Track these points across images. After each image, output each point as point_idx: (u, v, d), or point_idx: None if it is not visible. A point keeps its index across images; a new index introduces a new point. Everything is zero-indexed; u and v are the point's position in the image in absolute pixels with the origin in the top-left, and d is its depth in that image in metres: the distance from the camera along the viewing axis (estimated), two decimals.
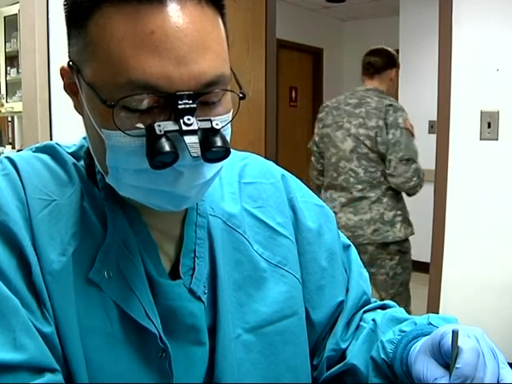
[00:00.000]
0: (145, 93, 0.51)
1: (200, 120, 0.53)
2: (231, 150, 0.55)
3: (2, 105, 4.04)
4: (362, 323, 0.77)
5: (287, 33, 5.37)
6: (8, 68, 4.01)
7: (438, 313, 2.25)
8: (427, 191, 2.68)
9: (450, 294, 2.40)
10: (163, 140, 0.51)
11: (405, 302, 2.62)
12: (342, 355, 0.75)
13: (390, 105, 2.43)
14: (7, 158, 0.62)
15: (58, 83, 2.05)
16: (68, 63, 0.58)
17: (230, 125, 0.59)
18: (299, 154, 6.22)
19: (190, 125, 0.51)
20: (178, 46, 0.51)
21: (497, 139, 2.27)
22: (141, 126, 0.53)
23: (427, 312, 2.33)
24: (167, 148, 0.51)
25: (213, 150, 0.53)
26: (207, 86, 0.53)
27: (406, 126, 2.41)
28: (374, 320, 0.75)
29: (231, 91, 0.57)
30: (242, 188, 0.74)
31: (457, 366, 0.54)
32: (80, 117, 0.62)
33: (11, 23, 3.73)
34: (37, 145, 0.67)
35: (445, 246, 2.39)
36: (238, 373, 0.65)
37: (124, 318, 0.59)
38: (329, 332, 0.77)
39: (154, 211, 0.60)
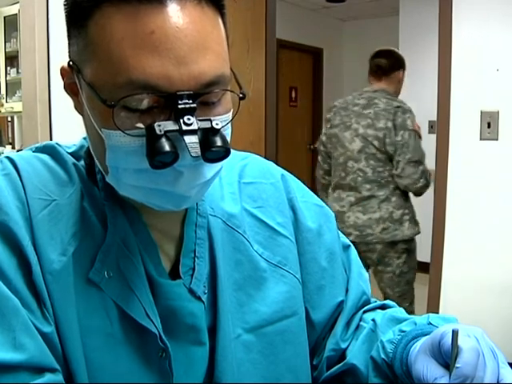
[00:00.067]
0: (145, 93, 0.51)
1: (200, 120, 0.53)
2: (231, 150, 0.55)
3: (2, 105, 4.04)
4: (361, 323, 0.77)
5: (287, 33, 5.37)
6: (8, 68, 4.01)
7: (437, 313, 2.25)
8: (427, 191, 2.68)
9: (449, 293, 2.40)
10: (163, 140, 0.51)
11: (409, 300, 2.65)
12: (341, 355, 0.75)
13: (399, 107, 2.45)
14: (7, 157, 0.62)
15: (57, 83, 2.05)
16: (68, 63, 0.58)
17: (230, 125, 0.59)
18: (299, 154, 6.22)
19: (190, 125, 0.51)
20: (178, 46, 0.51)
21: (497, 139, 2.27)
22: (141, 125, 0.53)
23: (427, 312, 2.33)
24: (167, 148, 0.51)
25: (213, 149, 0.53)
26: (207, 86, 0.53)
27: (414, 128, 2.44)
28: (373, 320, 0.75)
29: (231, 91, 0.57)
30: (242, 188, 0.74)
31: (457, 365, 0.54)
32: (80, 117, 0.62)
33: (11, 23, 3.73)
34: (37, 145, 0.67)
35: (445, 246, 2.39)
36: (237, 373, 0.65)
37: (124, 318, 0.59)
38: (329, 332, 0.77)
39: (153, 211, 0.60)
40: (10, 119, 4.46)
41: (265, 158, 0.82)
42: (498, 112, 2.25)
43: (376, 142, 2.46)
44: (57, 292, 0.56)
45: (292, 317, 0.71)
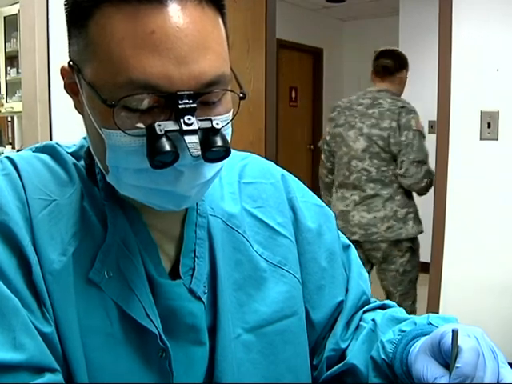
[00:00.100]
0: (145, 92, 0.51)
1: (200, 120, 0.53)
2: (231, 149, 0.55)
3: (2, 105, 4.04)
4: (361, 323, 0.77)
5: (287, 33, 5.37)
6: (8, 68, 4.01)
7: (438, 313, 2.25)
8: (428, 194, 2.69)
9: (449, 293, 2.40)
10: (163, 140, 0.51)
11: (412, 299, 2.67)
12: (341, 355, 0.75)
13: (403, 107, 2.48)
14: (7, 157, 0.62)
15: (57, 83, 2.05)
16: (68, 63, 0.58)
17: (230, 125, 0.59)
18: (299, 154, 6.22)
19: (191, 124, 0.51)
20: (178, 45, 0.51)
21: (497, 139, 2.27)
22: (141, 125, 0.53)
23: (427, 312, 2.33)
24: (167, 148, 0.51)
25: (213, 149, 0.53)
26: (207, 85, 0.53)
27: (418, 128, 2.46)
28: (373, 320, 0.75)
29: (231, 91, 0.57)
30: (242, 188, 0.74)
31: (457, 365, 0.54)
32: (80, 117, 0.62)
33: (11, 23, 3.73)
34: (37, 145, 0.67)
35: (445, 246, 2.40)
36: (238, 373, 0.65)
37: (124, 318, 0.59)
38: (328, 332, 0.77)
39: (154, 211, 0.60)
40: (10, 119, 4.46)
41: (265, 158, 0.82)
42: (497, 112, 2.25)
43: (380, 142, 2.48)
44: (57, 292, 0.56)
45: (292, 317, 0.71)
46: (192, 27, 0.52)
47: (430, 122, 4.21)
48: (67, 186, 0.62)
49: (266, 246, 0.72)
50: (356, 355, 0.72)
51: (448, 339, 0.56)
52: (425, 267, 2.74)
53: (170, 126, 0.52)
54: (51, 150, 0.65)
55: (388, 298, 2.69)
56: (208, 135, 0.53)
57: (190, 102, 0.51)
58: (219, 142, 0.53)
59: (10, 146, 4.34)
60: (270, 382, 0.68)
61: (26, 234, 0.56)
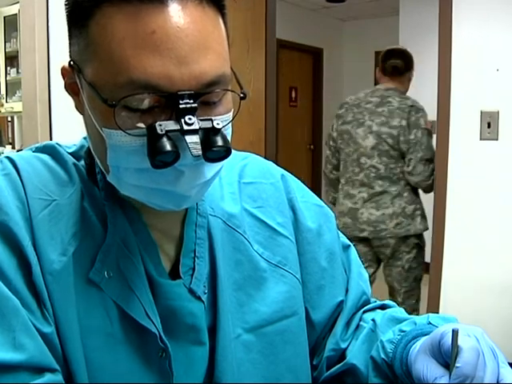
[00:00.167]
0: (146, 92, 0.51)
1: (201, 120, 0.53)
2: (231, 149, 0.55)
3: (2, 105, 4.04)
4: (361, 323, 0.77)
5: (287, 33, 5.37)
6: (8, 68, 4.01)
7: (438, 313, 2.25)
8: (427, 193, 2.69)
9: (450, 293, 2.40)
10: (164, 139, 0.51)
11: (416, 298, 2.70)
12: (341, 355, 0.75)
13: (412, 106, 2.51)
14: (7, 157, 0.62)
15: (57, 83, 2.05)
16: (69, 63, 0.58)
17: (230, 124, 0.59)
18: (299, 154, 6.22)
19: (191, 124, 0.51)
20: (179, 45, 0.51)
21: (497, 139, 2.27)
22: (142, 125, 0.53)
23: (427, 312, 2.33)
24: (168, 147, 0.51)
25: (214, 149, 0.53)
26: (208, 85, 0.53)
27: (426, 127, 2.50)
28: (373, 320, 0.75)
29: (232, 91, 0.57)
30: (242, 188, 0.74)
31: (457, 365, 0.54)
32: (80, 117, 0.62)
33: (11, 23, 3.73)
34: (37, 145, 0.67)
35: (445, 246, 2.40)
36: (237, 373, 0.65)
37: (124, 318, 0.59)
38: (328, 332, 0.77)
39: (154, 211, 0.60)
40: (10, 119, 4.46)
41: (265, 158, 0.82)
42: (497, 112, 2.25)
43: (390, 140, 2.51)
44: (57, 292, 0.56)
45: (292, 317, 0.71)
46: (193, 27, 0.52)
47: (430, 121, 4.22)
48: (67, 185, 0.62)
49: (266, 246, 0.72)
50: (356, 355, 0.72)
51: (448, 339, 0.56)
52: (425, 267, 2.74)
53: (171, 125, 0.52)
54: (51, 150, 0.65)
55: (392, 295, 2.71)
56: (209, 135, 0.53)
57: (191, 101, 0.51)
58: (220, 142, 0.53)
59: (10, 146, 4.34)
60: (270, 381, 0.68)
61: (26, 234, 0.56)
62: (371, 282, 2.72)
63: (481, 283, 2.35)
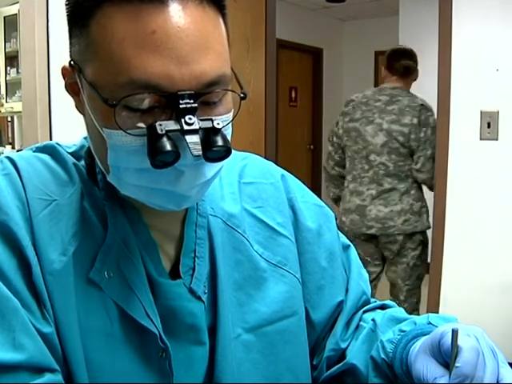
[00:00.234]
0: (146, 92, 0.51)
1: (201, 119, 0.53)
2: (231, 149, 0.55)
3: (2, 105, 4.04)
4: (361, 323, 0.77)
5: (287, 33, 5.37)
6: (8, 68, 4.01)
7: (437, 313, 2.25)
8: (427, 191, 2.70)
9: (450, 294, 2.40)
10: (164, 139, 0.51)
11: (417, 298, 2.73)
12: (341, 355, 0.75)
13: (422, 104, 2.55)
14: (7, 157, 0.62)
15: (57, 83, 2.05)
16: (69, 63, 0.58)
17: (230, 124, 0.59)
18: (299, 154, 6.22)
19: (192, 124, 0.51)
20: (179, 45, 0.51)
21: (497, 139, 2.27)
22: (142, 125, 0.53)
23: (427, 312, 2.33)
24: (168, 147, 0.51)
25: (214, 149, 0.53)
26: (208, 85, 0.53)
27: (435, 125, 2.52)
28: (373, 320, 0.75)
29: (232, 91, 0.57)
30: (242, 188, 0.74)
31: (456, 364, 0.54)
32: (80, 117, 0.62)
33: (11, 23, 3.73)
34: (37, 145, 0.67)
35: (445, 246, 2.40)
36: (237, 372, 0.65)
37: (124, 318, 0.59)
38: (328, 332, 0.77)
39: (154, 211, 0.60)
40: (9, 119, 4.46)
41: (265, 158, 0.82)
42: (497, 112, 2.25)
43: (401, 138, 2.54)
44: (57, 292, 0.56)
45: (292, 317, 0.71)
46: (193, 27, 0.52)
47: None
48: (67, 185, 0.62)
49: (266, 246, 0.72)
50: (356, 355, 0.72)
51: (448, 339, 0.56)
52: (425, 267, 2.75)
53: (171, 125, 0.52)
54: (51, 150, 0.65)
55: (393, 294, 2.71)
56: (209, 135, 0.53)
57: (191, 101, 0.52)
58: (220, 142, 0.53)
59: (10, 146, 4.34)
60: (269, 381, 0.68)
61: (26, 234, 0.56)
62: (377, 280, 2.72)
63: (481, 283, 2.35)
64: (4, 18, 3.88)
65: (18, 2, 2.61)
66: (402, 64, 2.63)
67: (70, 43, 0.58)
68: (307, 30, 5.93)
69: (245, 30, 2.68)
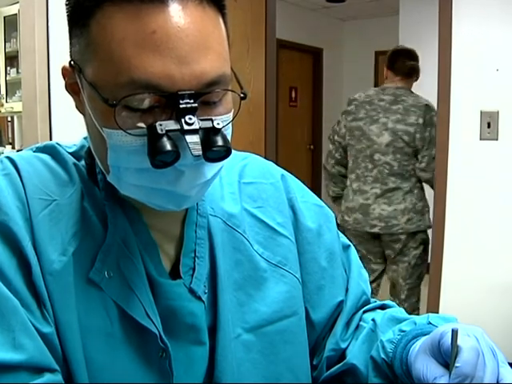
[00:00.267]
0: (146, 92, 0.51)
1: (201, 119, 0.53)
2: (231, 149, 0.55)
3: (2, 105, 4.04)
4: (361, 323, 0.77)
5: (287, 33, 5.37)
6: (8, 68, 4.01)
7: (438, 313, 2.25)
8: (427, 191, 2.70)
9: (449, 293, 2.40)
10: (164, 139, 0.51)
11: (417, 297, 2.75)
12: (341, 355, 0.75)
13: (427, 105, 2.58)
14: (8, 157, 0.62)
15: (57, 83, 2.05)
16: (70, 63, 0.58)
17: (230, 124, 0.59)
18: (299, 154, 6.22)
19: (192, 124, 0.51)
20: (179, 45, 0.51)
21: (497, 139, 2.27)
22: (142, 125, 0.53)
23: (427, 312, 2.33)
24: (168, 147, 0.51)
25: (214, 149, 0.53)
26: (208, 85, 0.53)
27: None
28: (373, 320, 0.75)
29: (232, 91, 0.57)
30: (242, 188, 0.74)
31: (456, 364, 0.54)
32: (80, 116, 0.62)
33: (11, 23, 3.73)
34: (37, 145, 0.67)
35: (445, 246, 2.40)
36: (237, 372, 0.65)
37: (124, 318, 0.59)
38: (328, 332, 0.77)
39: (154, 211, 0.60)
40: (9, 119, 4.46)
41: (265, 158, 0.82)
42: (497, 112, 2.25)
43: (406, 137, 2.56)
44: (57, 292, 0.56)
45: (292, 317, 0.71)
46: (193, 27, 0.52)
47: None
48: (67, 185, 0.62)
49: (266, 246, 0.72)
50: (356, 355, 0.72)
51: (448, 339, 0.56)
52: (425, 267, 2.75)
53: (171, 125, 0.52)
54: (51, 150, 0.65)
55: (393, 294, 2.72)
56: (209, 135, 0.53)
57: (191, 101, 0.52)
58: (220, 142, 0.53)
59: (10, 146, 4.34)
60: (269, 381, 0.68)
61: (25, 234, 0.56)
62: (380, 279, 2.73)
63: (481, 283, 2.35)
64: (4, 17, 3.88)
65: (17, 2, 2.60)
66: (407, 65, 2.65)
67: (70, 43, 0.58)
68: (307, 30, 5.93)
69: (245, 29, 2.68)
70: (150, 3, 0.51)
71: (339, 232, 0.82)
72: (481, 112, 2.28)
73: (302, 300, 0.73)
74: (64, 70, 0.60)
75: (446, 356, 0.56)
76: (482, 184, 2.31)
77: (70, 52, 0.59)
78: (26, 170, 0.60)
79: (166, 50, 0.51)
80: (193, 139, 0.51)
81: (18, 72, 3.80)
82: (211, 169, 0.57)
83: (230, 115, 0.59)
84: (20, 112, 3.03)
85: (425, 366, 0.58)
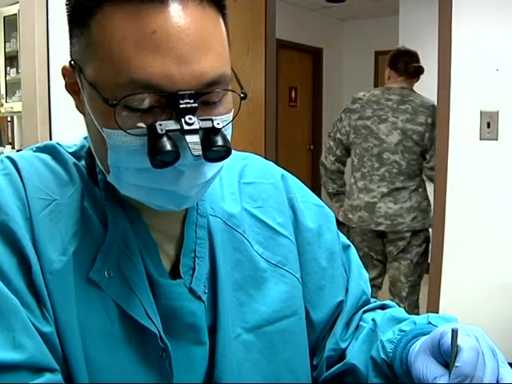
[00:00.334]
0: (146, 92, 0.51)
1: (201, 119, 0.53)
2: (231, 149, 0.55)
3: (2, 105, 4.04)
4: (361, 323, 0.77)
5: (287, 33, 5.37)
6: (8, 68, 4.01)
7: (437, 313, 2.25)
8: (427, 191, 2.70)
9: (450, 293, 2.40)
10: (164, 139, 0.51)
11: (417, 295, 2.75)
12: (341, 355, 0.75)
13: (433, 105, 2.59)
14: (8, 157, 0.62)
15: (57, 83, 2.05)
16: (70, 62, 0.58)
17: (230, 125, 0.59)
18: (299, 154, 6.23)
19: (192, 124, 0.51)
20: (179, 45, 0.51)
21: (496, 139, 2.27)
22: (142, 125, 0.53)
23: (427, 312, 2.33)
24: (168, 147, 0.51)
25: (214, 149, 0.53)
26: (208, 85, 0.53)
27: None
28: (373, 320, 0.75)
29: (232, 91, 0.57)
30: (242, 188, 0.74)
31: (456, 364, 0.54)
32: (80, 116, 0.62)
33: (11, 23, 3.73)
34: (37, 144, 0.67)
35: (445, 246, 2.40)
36: (237, 372, 0.65)
37: (124, 318, 0.59)
38: (328, 332, 0.77)
39: (154, 211, 0.60)
40: (9, 119, 4.45)
41: (265, 158, 0.82)
42: (497, 112, 2.25)
43: (415, 136, 2.58)
44: (57, 292, 0.56)
45: (292, 316, 0.71)
46: (193, 27, 0.52)
47: None
48: (68, 185, 0.62)
49: (266, 246, 0.72)
50: (356, 355, 0.72)
51: (448, 339, 0.56)
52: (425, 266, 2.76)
53: (171, 125, 0.52)
54: (52, 150, 0.65)
55: (394, 293, 2.73)
56: (209, 135, 0.53)
57: (191, 101, 0.52)
58: (220, 142, 0.53)
59: (10, 146, 4.34)
60: (269, 381, 0.68)
61: (26, 234, 0.56)
62: (382, 277, 2.73)
63: (481, 283, 2.35)
64: (4, 18, 3.88)
65: (17, 2, 2.61)
66: (413, 66, 2.67)
67: (71, 43, 0.58)
68: (307, 30, 5.93)
69: (245, 29, 2.68)
70: (150, 3, 0.51)
71: (339, 232, 0.83)
72: (481, 112, 2.28)
73: (302, 300, 0.73)
74: (64, 69, 0.60)
75: (446, 356, 0.56)
76: (482, 184, 2.31)
77: (70, 52, 0.59)
78: (27, 170, 0.60)
79: (166, 49, 0.51)
80: (193, 139, 0.51)
81: (17, 72, 3.80)
82: (211, 169, 0.57)
83: (230, 115, 0.59)
84: (20, 112, 3.03)
85: (425, 365, 0.58)
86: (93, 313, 0.58)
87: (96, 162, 0.62)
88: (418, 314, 0.73)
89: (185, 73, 0.52)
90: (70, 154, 0.66)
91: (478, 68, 2.26)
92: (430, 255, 2.59)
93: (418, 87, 2.76)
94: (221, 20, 0.57)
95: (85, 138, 0.67)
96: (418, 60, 2.71)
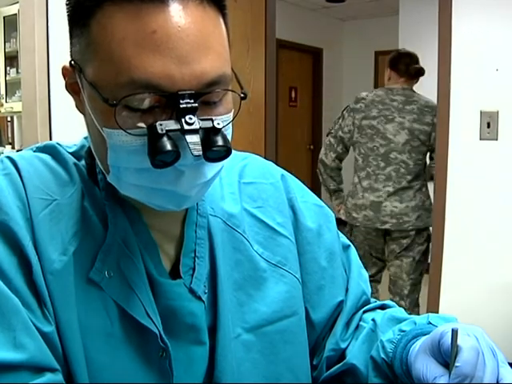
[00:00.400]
0: (146, 92, 0.51)
1: (201, 119, 0.53)
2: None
3: (2, 105, 4.04)
4: (361, 323, 0.77)
5: (287, 33, 5.37)
6: (8, 68, 4.01)
7: (437, 313, 2.25)
8: (427, 191, 2.71)
9: (450, 293, 2.40)
10: (165, 139, 0.51)
11: (418, 293, 2.76)
12: (341, 355, 0.75)
13: (436, 106, 2.59)
14: (8, 157, 0.62)
15: (57, 83, 2.05)
16: (70, 62, 0.58)
17: (230, 125, 0.59)
18: (299, 154, 6.23)
19: (192, 124, 0.51)
20: (179, 45, 0.51)
21: (496, 139, 2.27)
22: (142, 125, 0.53)
23: (427, 312, 2.33)
24: (168, 147, 0.51)
25: (214, 149, 0.53)
26: (209, 85, 0.53)
27: None
28: (373, 320, 0.75)
29: (232, 91, 0.57)
30: (242, 188, 0.75)
31: (456, 364, 0.54)
32: (80, 116, 0.62)
33: (11, 23, 3.73)
34: (37, 144, 0.67)
35: (445, 246, 2.40)
36: (237, 372, 0.65)
37: (124, 318, 0.59)
38: (328, 332, 0.77)
39: (154, 211, 0.60)
40: (9, 119, 4.45)
41: (265, 158, 0.82)
42: (497, 112, 2.25)
43: (422, 136, 2.61)
44: (57, 292, 0.56)
45: (292, 316, 0.71)
46: (193, 27, 0.52)
47: None
48: (68, 185, 0.62)
49: (265, 246, 0.72)
50: (356, 355, 0.72)
51: (448, 338, 0.56)
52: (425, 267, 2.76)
53: (171, 125, 0.52)
54: (52, 150, 0.65)
55: (394, 292, 2.73)
56: (209, 135, 0.53)
57: (192, 101, 0.52)
58: (220, 142, 0.53)
59: (10, 146, 4.34)
60: (269, 381, 0.68)
61: (26, 234, 0.56)
62: (382, 272, 2.74)
63: (481, 283, 2.35)
64: (4, 18, 3.88)
65: (17, 2, 2.60)
66: (414, 68, 2.69)
67: (71, 43, 0.58)
68: (307, 30, 5.93)
69: (245, 29, 2.68)
70: (150, 3, 0.51)
71: (339, 232, 0.83)
72: (480, 112, 2.28)
73: (301, 300, 0.73)
74: (64, 69, 0.60)
75: (446, 356, 0.56)
76: (482, 184, 2.31)
77: (71, 52, 0.59)
78: (27, 170, 0.60)
79: (166, 49, 0.51)
80: (193, 139, 0.51)
81: (17, 72, 3.80)
82: (211, 169, 0.57)
83: (230, 115, 0.59)
84: (20, 112, 3.03)
85: (425, 365, 0.58)
86: (93, 313, 0.58)
87: (96, 162, 0.62)
88: (418, 313, 0.73)
89: (185, 73, 0.52)
90: (70, 153, 0.66)
91: (478, 68, 2.26)
92: (430, 254, 2.60)
93: (418, 87, 2.76)
94: (221, 20, 0.57)
95: (85, 137, 0.67)
96: (417, 62, 2.73)
